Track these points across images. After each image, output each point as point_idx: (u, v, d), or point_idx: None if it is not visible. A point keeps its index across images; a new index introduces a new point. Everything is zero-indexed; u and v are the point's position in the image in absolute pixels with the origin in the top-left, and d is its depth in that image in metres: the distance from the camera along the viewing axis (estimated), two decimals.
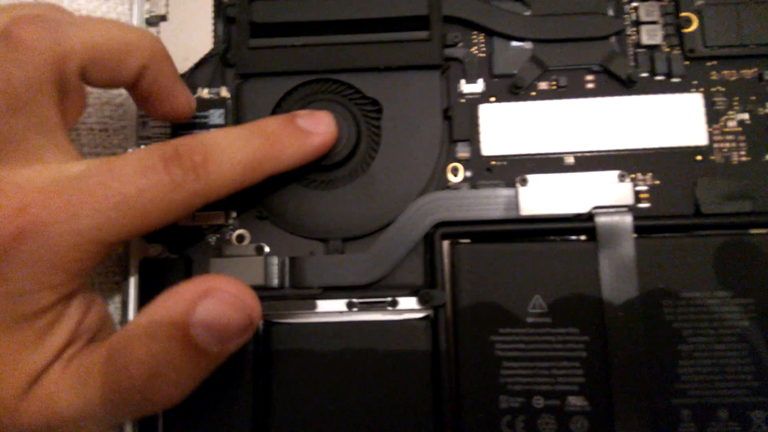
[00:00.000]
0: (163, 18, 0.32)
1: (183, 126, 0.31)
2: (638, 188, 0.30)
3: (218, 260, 0.30)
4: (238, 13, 0.31)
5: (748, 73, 0.31)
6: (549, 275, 0.29)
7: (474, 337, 0.28)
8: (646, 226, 0.29)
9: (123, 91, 0.33)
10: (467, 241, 0.29)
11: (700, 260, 0.28)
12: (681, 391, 0.28)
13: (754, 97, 0.30)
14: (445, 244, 0.30)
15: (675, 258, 0.29)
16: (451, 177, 0.31)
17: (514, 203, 0.30)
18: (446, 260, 0.29)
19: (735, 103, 0.30)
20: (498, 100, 0.31)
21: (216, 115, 0.31)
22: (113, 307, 0.31)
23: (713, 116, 0.30)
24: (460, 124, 0.31)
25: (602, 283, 0.28)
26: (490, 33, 0.31)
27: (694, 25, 0.31)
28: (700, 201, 0.30)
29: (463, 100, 0.31)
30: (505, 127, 0.31)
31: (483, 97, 0.31)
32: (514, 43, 0.31)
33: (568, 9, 0.31)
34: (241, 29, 0.31)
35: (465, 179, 0.31)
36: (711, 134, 0.30)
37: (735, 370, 0.28)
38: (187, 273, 0.30)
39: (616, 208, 0.29)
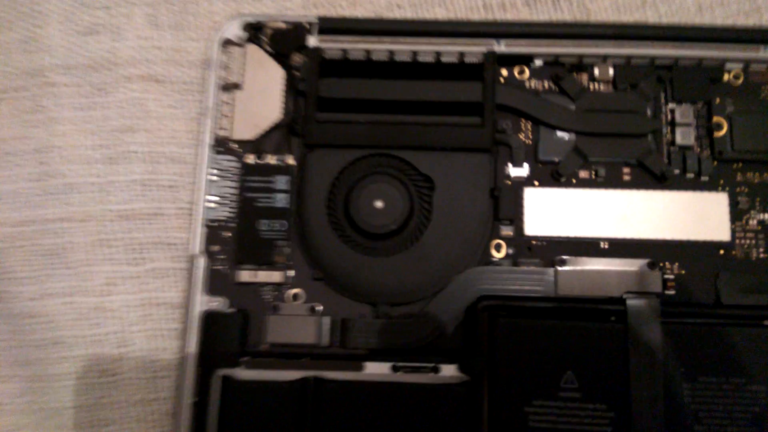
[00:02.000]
0: (237, 86, 0.35)
1: (251, 189, 0.33)
2: (666, 276, 0.33)
3: (274, 317, 0.32)
4: (307, 87, 0.34)
5: None
6: (581, 353, 0.31)
7: (509, 407, 0.30)
8: (671, 311, 0.32)
9: (191, 150, 0.36)
10: (506, 314, 0.32)
11: (719, 348, 0.31)
12: None
13: None
14: (485, 315, 0.32)
15: (696, 344, 0.31)
16: (494, 252, 0.33)
17: (552, 282, 0.32)
18: (486, 331, 0.32)
19: (757, 204, 0.33)
20: (541, 185, 0.34)
21: (282, 182, 0.34)
22: (169, 353, 0.33)
23: (736, 214, 0.33)
24: (505, 204, 0.33)
25: (630, 364, 0.31)
26: (537, 122, 0.34)
27: (724, 130, 0.34)
28: (720, 292, 0.32)
29: (509, 182, 0.34)
30: (547, 210, 0.33)
31: (527, 181, 0.34)
32: (559, 133, 0.34)
33: (610, 106, 0.34)
34: (310, 103, 0.34)
35: (507, 256, 0.33)
36: (734, 231, 0.33)
37: None
38: (244, 327, 0.32)
39: (646, 294, 0.32)
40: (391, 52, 0.34)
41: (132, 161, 0.36)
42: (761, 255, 0.33)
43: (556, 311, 0.32)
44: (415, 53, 0.34)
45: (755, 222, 0.33)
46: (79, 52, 0.37)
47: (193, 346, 0.32)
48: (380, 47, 0.34)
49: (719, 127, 0.34)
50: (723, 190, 0.33)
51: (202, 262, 0.33)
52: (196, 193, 0.34)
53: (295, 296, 0.33)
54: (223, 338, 0.32)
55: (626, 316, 0.31)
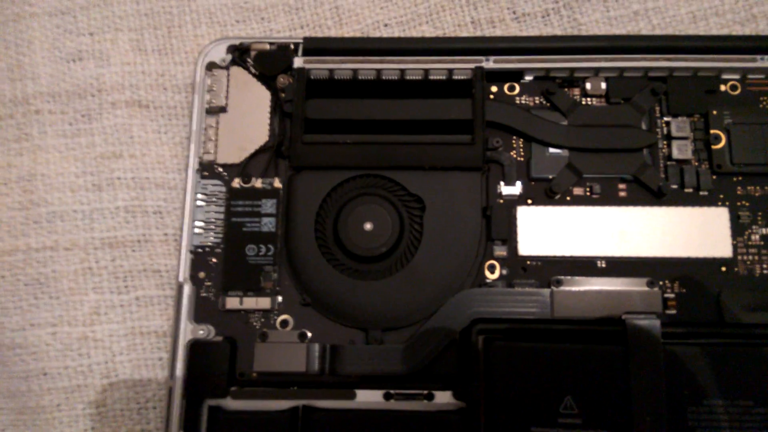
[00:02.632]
0: (223, 109, 0.34)
1: (238, 213, 0.33)
2: (666, 295, 0.31)
3: (262, 345, 0.31)
4: (294, 109, 0.33)
5: None
6: (580, 377, 0.30)
7: None
8: (673, 332, 0.30)
9: (177, 175, 0.35)
10: (501, 337, 0.31)
11: (722, 368, 0.30)
12: None
13: None
14: (480, 339, 0.31)
15: (700, 365, 0.30)
16: (488, 273, 0.32)
17: (548, 303, 0.31)
18: (481, 356, 0.31)
19: (759, 218, 0.32)
20: (534, 203, 0.33)
21: (268, 205, 0.33)
22: (156, 383, 0.32)
23: (738, 229, 0.32)
24: (498, 223, 0.32)
25: (631, 387, 0.30)
26: (528, 139, 0.33)
27: (722, 142, 0.33)
28: (723, 310, 0.31)
29: (501, 201, 0.33)
30: (541, 229, 0.32)
31: (520, 199, 0.33)
32: (552, 150, 0.33)
33: (603, 121, 0.33)
34: (296, 124, 0.33)
35: (501, 277, 0.32)
36: (735, 247, 0.32)
37: None
38: (232, 356, 0.31)
39: (646, 314, 0.30)
40: (379, 72, 0.34)
41: (117, 188, 0.35)
42: (765, 271, 0.32)
43: (553, 333, 0.31)
44: (402, 72, 0.34)
45: (758, 237, 0.32)
46: (64, 78, 0.37)
47: (179, 376, 0.31)
48: (367, 66, 0.34)
49: (717, 139, 0.33)
50: (723, 204, 0.32)
51: (188, 290, 0.32)
52: (183, 219, 0.33)
53: (284, 323, 0.32)
54: (211, 367, 0.31)
55: (626, 338, 0.30)
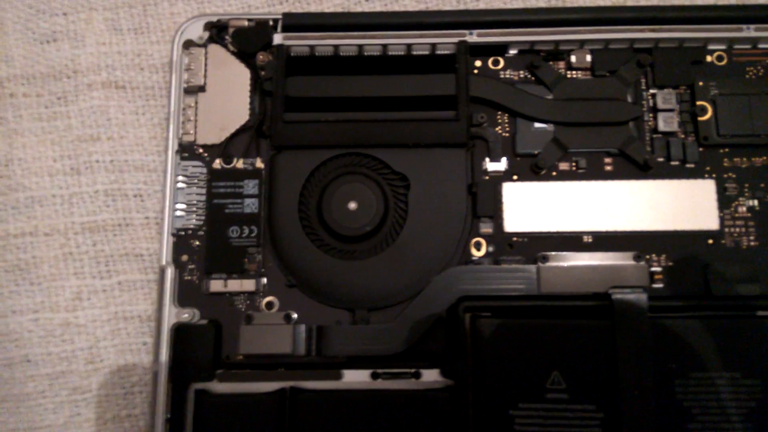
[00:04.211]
0: (202, 89, 0.33)
1: (219, 195, 0.32)
2: (653, 269, 0.31)
3: (247, 327, 0.31)
4: (274, 87, 0.33)
5: (759, 161, 0.32)
6: (568, 352, 0.30)
7: (494, 411, 0.29)
8: (660, 306, 0.30)
9: (157, 157, 0.35)
10: (488, 314, 0.31)
11: (710, 341, 0.30)
12: None
13: (763, 185, 0.32)
14: (467, 316, 0.31)
15: (687, 338, 0.30)
16: (474, 251, 0.32)
17: (535, 280, 0.31)
18: (468, 333, 0.31)
19: (746, 190, 0.32)
20: (520, 179, 0.33)
21: (250, 185, 0.32)
22: (141, 368, 0.32)
23: (725, 202, 0.32)
24: (484, 200, 0.32)
25: (618, 361, 0.29)
26: (513, 114, 0.33)
27: (709, 114, 0.33)
28: (710, 283, 0.31)
29: (486, 178, 0.33)
30: (527, 205, 0.32)
31: (506, 176, 0.33)
32: (537, 125, 0.33)
33: (589, 94, 0.33)
34: (277, 103, 0.33)
35: (487, 254, 0.32)
36: (722, 219, 0.32)
37: None
38: (217, 339, 0.31)
39: (632, 288, 0.30)
40: (360, 47, 0.33)
41: (96, 171, 0.35)
42: (752, 243, 0.32)
43: (540, 310, 0.31)
44: (384, 47, 0.33)
45: (744, 209, 0.32)
46: (38, 60, 0.36)
47: (164, 360, 0.30)
48: (348, 42, 0.33)
49: (703, 111, 0.33)
50: (710, 176, 0.32)
51: (171, 273, 0.32)
52: (164, 202, 0.33)
53: (269, 304, 0.32)
54: (196, 351, 0.31)
55: (613, 312, 0.30)
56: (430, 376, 0.30)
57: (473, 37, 0.33)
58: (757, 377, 0.29)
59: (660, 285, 0.31)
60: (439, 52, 0.33)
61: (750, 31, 0.33)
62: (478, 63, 0.34)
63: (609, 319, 0.30)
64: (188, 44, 0.34)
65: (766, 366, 0.30)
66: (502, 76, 0.34)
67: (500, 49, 0.34)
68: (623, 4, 0.36)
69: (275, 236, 0.32)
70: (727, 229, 0.32)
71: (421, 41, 0.33)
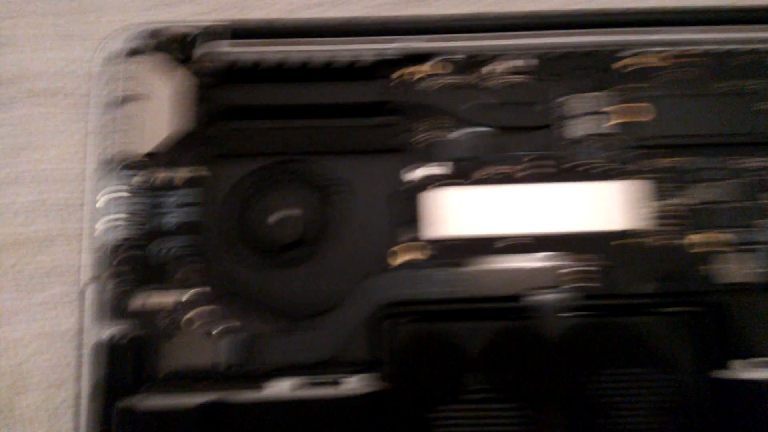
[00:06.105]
0: (136, 97, 0.33)
1: (149, 206, 0.32)
2: (564, 270, 0.32)
3: (171, 342, 0.31)
4: (213, 95, 0.33)
5: (668, 162, 0.33)
6: (483, 353, 0.31)
7: (413, 415, 0.30)
8: (571, 306, 0.31)
9: (83, 168, 0.34)
10: (407, 320, 0.32)
11: (618, 339, 0.31)
12: None
13: (672, 185, 0.33)
14: (386, 323, 0.32)
15: (597, 336, 0.31)
16: (395, 258, 0.32)
17: (455, 284, 0.32)
18: (386, 340, 0.31)
19: (655, 191, 0.33)
20: (440, 185, 0.33)
21: (180, 195, 0.32)
22: (65, 389, 0.32)
23: (634, 202, 0.33)
24: (404, 207, 0.33)
25: (532, 361, 0.31)
26: (436, 120, 0.34)
27: (619, 118, 0.34)
28: (618, 282, 0.32)
29: (407, 185, 0.33)
30: (447, 211, 0.33)
31: (427, 182, 0.33)
32: (457, 131, 0.34)
33: (510, 99, 0.34)
34: (215, 111, 0.33)
35: (408, 261, 0.32)
36: (631, 219, 0.33)
37: None
38: (141, 355, 0.31)
39: (544, 290, 0.32)
40: (308, 54, 0.33)
41: (20, 183, 0.34)
42: (657, 242, 0.33)
43: (456, 313, 0.32)
44: (309, 55, 0.33)
45: (652, 209, 0.33)
46: None
47: (86, 380, 0.30)
48: (295, 49, 0.34)
49: (614, 115, 0.34)
50: (620, 178, 0.33)
51: (93, 289, 0.31)
52: (88, 215, 0.32)
53: (193, 318, 0.32)
54: (119, 369, 0.31)
55: (525, 313, 0.31)
56: (351, 383, 0.31)
57: (396, 45, 0.34)
58: (663, 372, 0.31)
59: (572, 285, 0.32)
60: (362, 60, 0.34)
61: (659, 35, 0.34)
62: (405, 69, 0.34)
63: (521, 319, 0.31)
64: (130, 52, 0.33)
65: (670, 361, 0.31)
66: (427, 82, 0.34)
67: (423, 57, 0.34)
68: (537, 11, 0.36)
69: (199, 247, 0.32)
70: (635, 229, 0.33)
71: (343, 48, 0.34)
